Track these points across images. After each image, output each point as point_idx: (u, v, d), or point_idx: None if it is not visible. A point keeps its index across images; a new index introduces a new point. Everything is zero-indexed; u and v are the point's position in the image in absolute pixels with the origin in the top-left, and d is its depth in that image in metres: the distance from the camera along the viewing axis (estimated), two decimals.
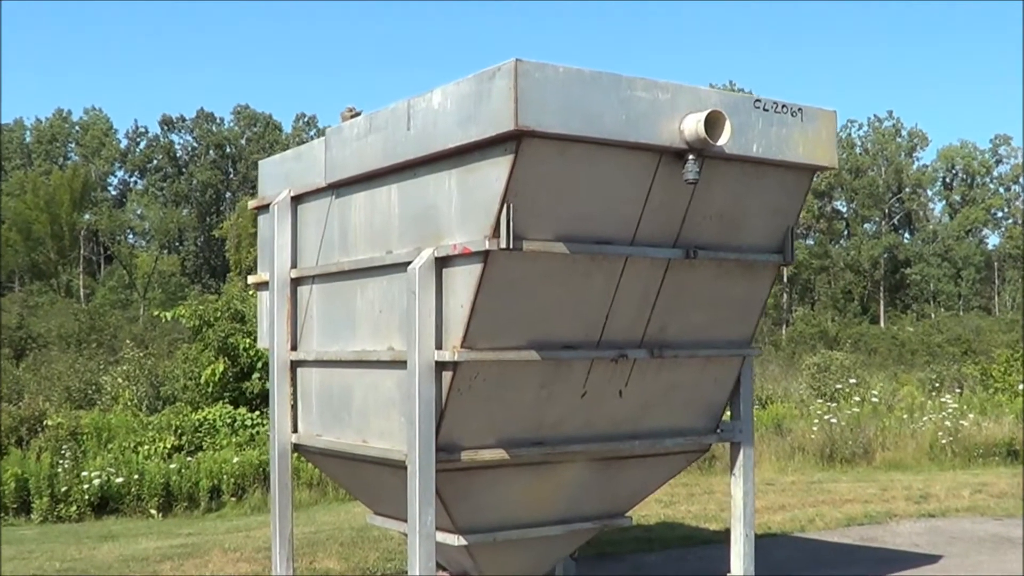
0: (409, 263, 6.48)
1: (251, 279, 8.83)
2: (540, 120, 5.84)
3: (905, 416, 20.51)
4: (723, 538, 11.35)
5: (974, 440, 18.72)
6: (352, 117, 7.44)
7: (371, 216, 7.19)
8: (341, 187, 7.49)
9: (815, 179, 7.53)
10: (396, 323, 6.85)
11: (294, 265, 8.08)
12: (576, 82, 5.99)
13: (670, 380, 7.33)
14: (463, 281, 6.26)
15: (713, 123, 6.30)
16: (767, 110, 6.77)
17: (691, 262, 6.91)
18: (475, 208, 6.19)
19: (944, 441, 18.74)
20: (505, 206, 5.97)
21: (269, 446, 8.38)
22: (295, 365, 8.09)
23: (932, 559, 10.48)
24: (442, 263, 6.40)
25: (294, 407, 8.11)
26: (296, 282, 8.07)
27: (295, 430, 8.12)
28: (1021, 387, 24.30)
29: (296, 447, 8.17)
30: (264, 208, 8.47)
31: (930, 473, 17.37)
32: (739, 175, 6.84)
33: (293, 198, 8.07)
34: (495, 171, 6.02)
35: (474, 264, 6.16)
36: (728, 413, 7.92)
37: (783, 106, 6.84)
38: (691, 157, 6.34)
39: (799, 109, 6.93)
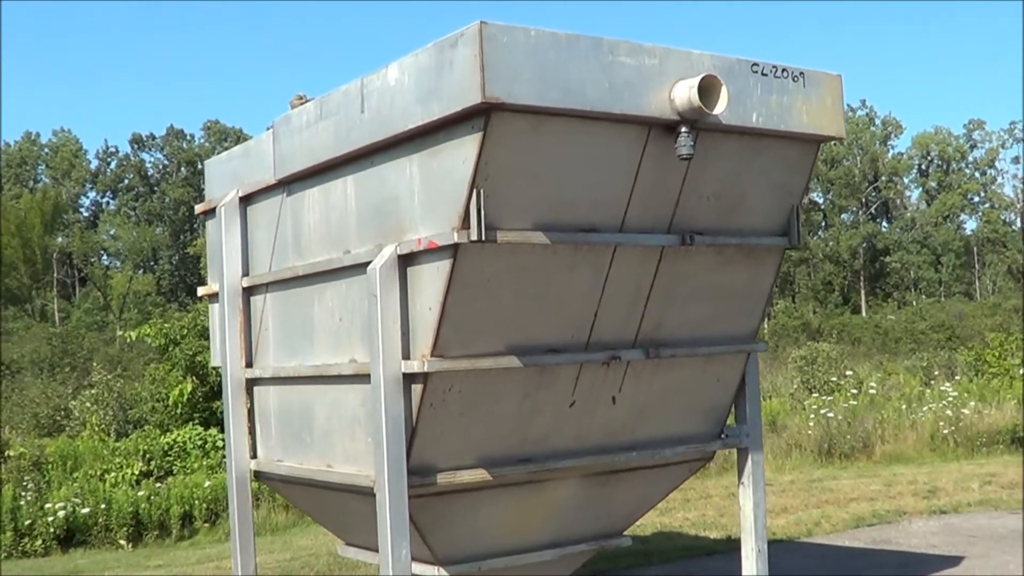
0: (369, 263, 5.72)
1: (201, 291, 8.03)
2: (510, 91, 5.10)
3: (903, 407, 19.80)
4: (725, 547, 10.67)
5: (976, 429, 18.01)
6: (302, 105, 6.68)
7: (326, 213, 6.43)
8: (292, 183, 6.74)
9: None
10: (358, 332, 6.09)
11: (246, 273, 7.33)
12: (551, 47, 5.25)
13: (668, 382, 6.59)
14: (430, 280, 5.52)
15: (707, 90, 5.57)
16: (766, 75, 6.04)
17: (687, 249, 6.18)
18: (441, 196, 5.44)
19: (946, 431, 18.04)
20: (474, 192, 5.24)
21: (226, 474, 7.59)
22: (251, 383, 7.33)
23: (953, 561, 9.75)
24: (406, 261, 5.65)
25: (252, 430, 7.34)
26: (248, 291, 7.31)
27: (254, 455, 7.36)
28: (1022, 372, 23.64)
29: (256, 474, 7.40)
30: (212, 212, 7.72)
31: (933, 465, 16.67)
32: (737, 149, 6.10)
33: (242, 199, 7.33)
34: (461, 152, 5.27)
35: (442, 260, 5.43)
36: (732, 416, 7.18)
37: (783, 70, 6.11)
38: (684, 129, 5.61)
39: (801, 73, 6.20)
